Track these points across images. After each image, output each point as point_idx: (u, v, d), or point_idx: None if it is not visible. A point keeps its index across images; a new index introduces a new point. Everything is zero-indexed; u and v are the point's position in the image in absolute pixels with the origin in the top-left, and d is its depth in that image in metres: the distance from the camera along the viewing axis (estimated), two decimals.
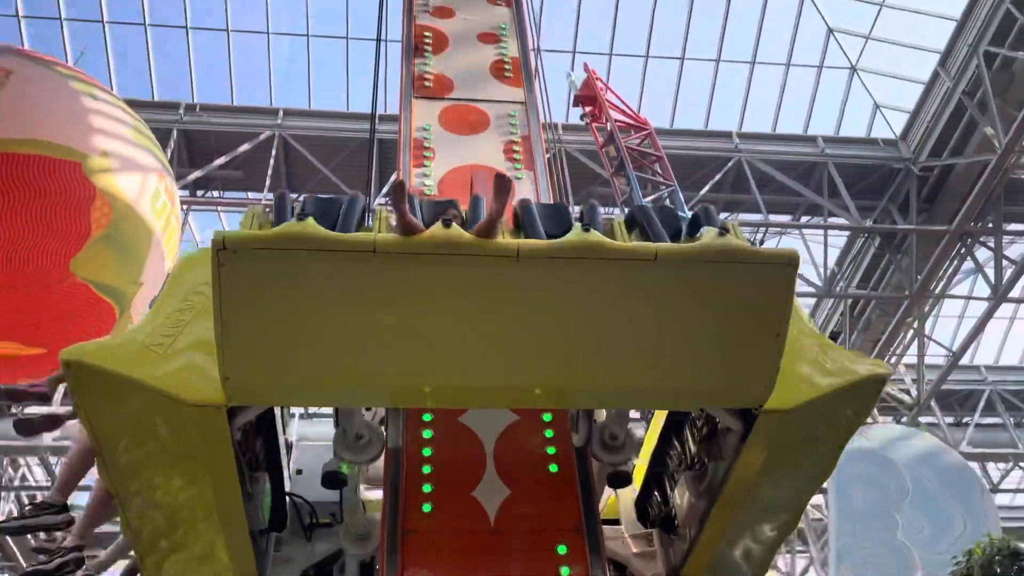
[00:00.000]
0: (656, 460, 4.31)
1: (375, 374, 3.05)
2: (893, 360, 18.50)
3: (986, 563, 9.57)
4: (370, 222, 3.55)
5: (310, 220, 2.84)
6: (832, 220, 16.90)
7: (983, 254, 16.85)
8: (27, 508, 4.09)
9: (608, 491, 4.33)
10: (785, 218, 17.62)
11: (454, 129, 5.18)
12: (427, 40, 5.57)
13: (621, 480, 3.90)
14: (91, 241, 6.64)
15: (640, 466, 4.39)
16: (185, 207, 13.64)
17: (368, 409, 3.81)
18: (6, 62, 6.70)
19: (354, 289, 2.85)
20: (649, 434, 4.45)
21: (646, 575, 4.13)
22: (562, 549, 3.50)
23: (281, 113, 16.08)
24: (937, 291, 17.23)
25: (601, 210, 3.66)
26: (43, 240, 6.45)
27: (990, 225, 16.29)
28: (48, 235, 6.46)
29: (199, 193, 16.34)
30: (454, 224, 2.93)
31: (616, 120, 14.75)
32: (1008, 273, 16.16)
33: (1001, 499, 21.11)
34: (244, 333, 2.88)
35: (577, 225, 3.00)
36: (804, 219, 17.70)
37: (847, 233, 17.54)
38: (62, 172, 6.46)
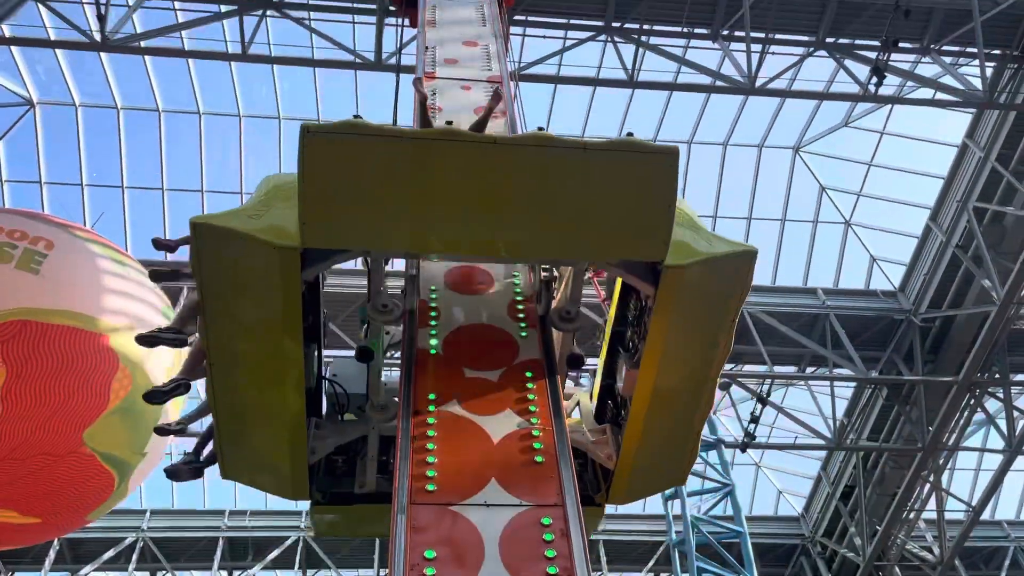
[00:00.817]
0: (606, 374, 5.50)
1: (400, 224, 4.33)
2: (912, 516, 17.93)
3: None
4: None
5: (362, 118, 4.24)
6: (838, 371, 16.87)
7: (993, 404, 16.69)
8: (157, 328, 5.08)
9: (569, 410, 5.53)
10: (790, 369, 17.60)
11: (460, 289, 5.29)
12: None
13: (575, 360, 5.12)
14: (107, 413, 6.71)
15: (596, 384, 5.61)
16: None
17: (387, 311, 4.82)
18: (44, 231, 6.93)
19: (389, 163, 4.16)
20: (600, 357, 5.58)
21: (600, 455, 5.31)
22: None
23: None
24: (950, 443, 16.94)
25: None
26: (62, 410, 6.47)
27: (997, 376, 16.23)
28: (68, 406, 6.53)
29: None
30: (454, 123, 5.06)
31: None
32: (1021, 424, 15.94)
33: None
34: (316, 191, 4.13)
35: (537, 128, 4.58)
36: (809, 370, 17.67)
37: (854, 384, 17.45)
38: (90, 344, 6.58)
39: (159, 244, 5.68)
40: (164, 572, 18.48)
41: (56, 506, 6.55)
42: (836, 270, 18.06)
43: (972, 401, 16.44)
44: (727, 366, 17.55)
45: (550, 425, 4.42)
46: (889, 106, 16.08)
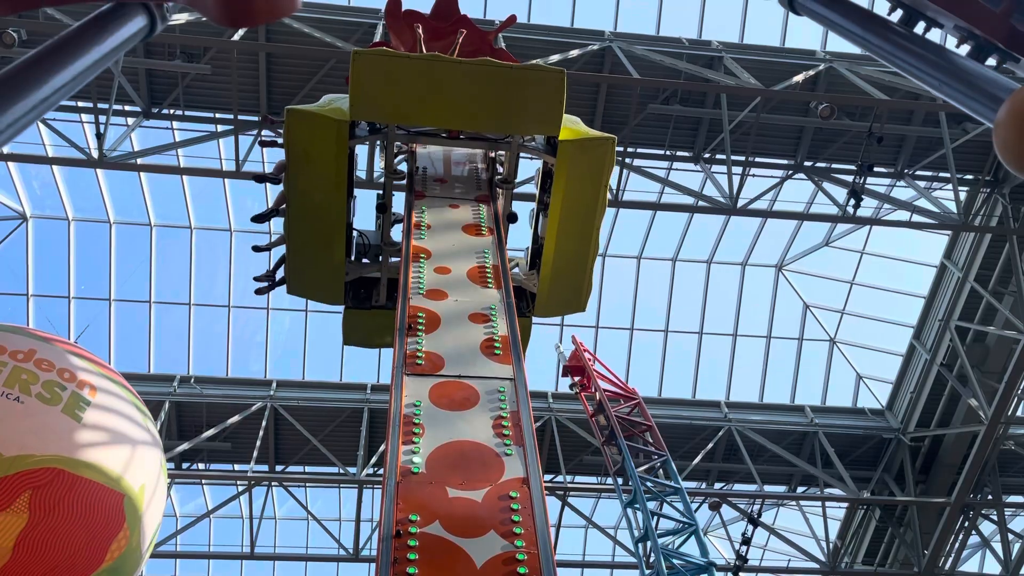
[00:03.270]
0: (535, 240, 7.91)
1: (409, 107, 7.10)
2: None
3: None
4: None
5: (389, 49, 7.54)
6: (829, 491, 16.61)
7: (987, 527, 16.39)
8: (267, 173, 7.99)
9: (512, 268, 7.72)
10: (780, 488, 17.31)
11: (444, 405, 5.24)
12: (420, 321, 5.80)
13: (512, 217, 7.84)
14: (98, 572, 6.60)
15: (529, 250, 8.08)
16: (169, 480, 13.34)
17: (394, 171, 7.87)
18: (88, 375, 6.92)
19: (403, 72, 6.97)
20: (532, 230, 7.99)
21: (529, 284, 7.91)
22: None
23: (274, 384, 16.29)
24: (947, 567, 16.51)
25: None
26: (65, 564, 6.29)
27: (989, 497, 16.01)
28: (72, 560, 6.40)
29: (184, 465, 16.08)
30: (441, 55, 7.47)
31: (605, 390, 14.96)
32: (1017, 547, 15.61)
33: None
34: (360, 86, 6.89)
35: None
36: (800, 489, 17.39)
37: (845, 505, 17.15)
38: (108, 501, 6.53)
39: (262, 177, 8.37)
40: None
41: None
42: (823, 387, 18.06)
43: (967, 524, 16.14)
44: (717, 485, 17.29)
45: (535, 548, 4.30)
46: (868, 227, 16.49)
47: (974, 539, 16.67)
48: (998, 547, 15.94)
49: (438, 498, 4.53)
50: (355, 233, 7.75)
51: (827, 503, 16.75)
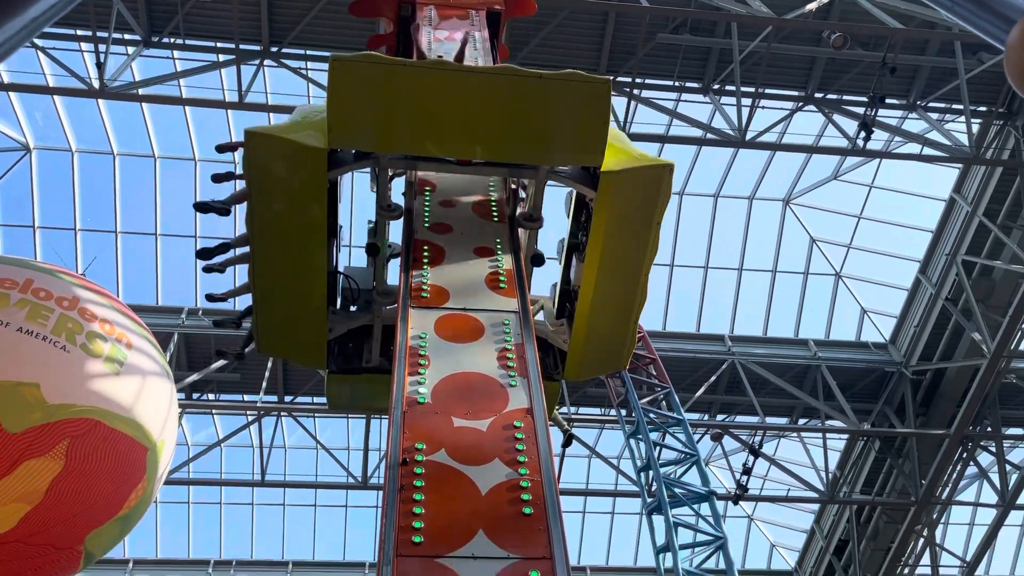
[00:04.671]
0: (564, 280, 6.43)
1: (403, 131, 5.46)
2: (906, 572, 17.72)
3: None
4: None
5: (375, 53, 5.63)
6: (830, 423, 16.83)
7: (985, 458, 16.63)
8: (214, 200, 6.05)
9: (536, 312, 6.43)
10: (782, 420, 17.54)
11: (449, 337, 5.28)
12: (425, 254, 5.81)
13: (537, 259, 6.23)
14: (114, 519, 6.79)
15: (557, 291, 6.56)
16: (180, 410, 13.57)
17: (391, 212, 6.04)
18: (127, 325, 7.03)
19: (394, 84, 5.28)
20: (561, 267, 6.50)
21: (558, 340, 6.32)
22: None
23: None
24: (944, 497, 16.83)
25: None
26: (89, 512, 6.50)
27: (989, 429, 16.20)
28: (95, 509, 6.56)
29: (195, 396, 16.33)
30: (442, 56, 6.11)
31: None
32: (1014, 478, 15.87)
33: None
34: (340, 104, 5.25)
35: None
36: (801, 422, 17.61)
37: (846, 436, 17.39)
38: (136, 455, 6.71)
39: (221, 149, 6.75)
40: None
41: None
42: (827, 322, 18.13)
43: (965, 455, 16.38)
44: (719, 417, 17.52)
45: (539, 476, 4.38)
46: (877, 160, 16.32)
47: (972, 470, 16.93)
48: (995, 478, 16.19)
49: (444, 427, 4.60)
50: (340, 276, 6.18)
51: (828, 435, 16.97)
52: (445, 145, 5.64)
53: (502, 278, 5.69)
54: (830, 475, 16.97)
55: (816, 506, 18.40)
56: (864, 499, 17.40)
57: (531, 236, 6.25)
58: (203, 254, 6.10)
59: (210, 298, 6.73)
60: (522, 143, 5.57)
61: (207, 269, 6.26)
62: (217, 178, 6.38)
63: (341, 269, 6.23)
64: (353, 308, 6.28)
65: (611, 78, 5.92)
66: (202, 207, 6.16)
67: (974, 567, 17.10)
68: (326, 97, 5.32)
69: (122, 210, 16.64)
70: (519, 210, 6.25)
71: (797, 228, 17.84)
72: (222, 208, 6.06)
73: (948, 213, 16.22)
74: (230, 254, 6.38)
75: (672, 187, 5.78)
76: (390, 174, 5.99)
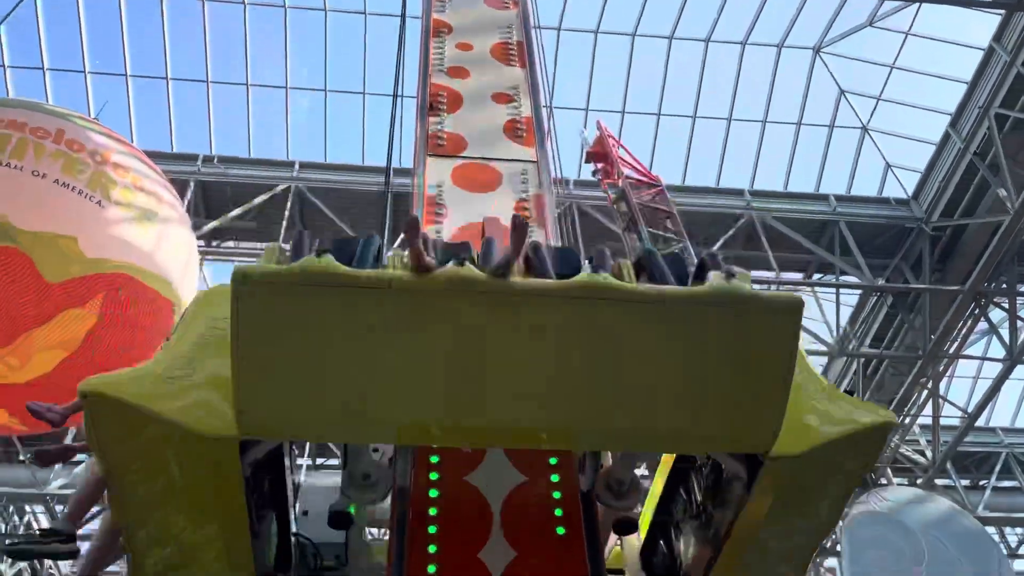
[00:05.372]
0: (661, 509, 4.28)
1: (387, 410, 3.10)
2: (907, 421, 18.26)
3: None
4: (386, 260, 3.66)
5: (328, 257, 2.94)
6: (844, 279, 16.87)
7: (997, 315, 16.75)
8: (37, 531, 4.01)
9: (613, 540, 4.40)
10: (796, 276, 17.60)
11: (467, 187, 5.24)
12: (442, 100, 5.66)
13: (627, 527, 3.97)
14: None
15: (645, 515, 4.37)
16: (200, 257, 13.76)
17: (375, 450, 3.89)
18: (151, 181, 7.04)
19: (369, 325, 2.95)
20: (655, 483, 4.42)
21: None
22: None
23: (297, 165, 16.30)
24: (951, 351, 17.08)
25: (610, 256, 3.77)
26: (114, 363, 6.77)
27: (1004, 286, 16.21)
28: (121, 359, 6.70)
29: (214, 243, 16.50)
30: (467, 263, 3.01)
31: (628, 177, 14.87)
32: (1023, 334, 16.03)
33: (1020, 565, 20.60)
34: (260, 367, 2.96)
35: (586, 265, 3.13)
36: (816, 277, 17.68)
37: (859, 292, 17.49)
38: (164, 314, 7.00)
39: (36, 415, 4.43)
40: None
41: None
42: (850, 176, 17.84)
43: (977, 311, 16.48)
44: None
45: None
46: (916, 5, 15.51)
47: (983, 326, 17.08)
48: (1005, 334, 16.36)
49: None
50: (294, 539, 4.14)
51: (841, 290, 17.07)
52: (473, 429, 3.20)
53: (521, 126, 5.57)
54: (840, 330, 17.19)
55: (824, 359, 18.75)
56: (872, 352, 17.70)
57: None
58: (42, 456, 4.28)
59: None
60: (620, 422, 3.18)
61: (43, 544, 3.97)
62: (43, 458, 4.72)
63: (297, 534, 4.20)
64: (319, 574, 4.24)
65: (800, 298, 3.20)
66: (23, 555, 3.93)
67: (975, 418, 17.57)
68: (231, 346, 2.94)
69: (131, 52, 16.25)
70: (599, 470, 3.86)
71: (826, 78, 17.25)
72: (68, 551, 3.99)
73: (985, 63, 15.55)
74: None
75: (884, 448, 3.70)
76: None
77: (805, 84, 17.18)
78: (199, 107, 16.81)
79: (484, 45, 6.08)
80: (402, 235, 3.56)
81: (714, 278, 3.12)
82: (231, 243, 16.93)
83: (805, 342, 17.22)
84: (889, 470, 18.66)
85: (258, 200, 15.70)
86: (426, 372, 3.02)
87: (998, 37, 15.20)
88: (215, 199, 16.10)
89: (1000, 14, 14.91)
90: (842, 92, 17.30)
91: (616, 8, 16.96)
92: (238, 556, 3.37)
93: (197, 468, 3.15)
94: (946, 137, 16.40)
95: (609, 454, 3.96)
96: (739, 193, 17.19)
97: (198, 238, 14.89)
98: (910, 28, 16.42)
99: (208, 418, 3.05)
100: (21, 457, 17.88)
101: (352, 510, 3.89)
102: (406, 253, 3.14)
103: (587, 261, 3.51)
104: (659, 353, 3.03)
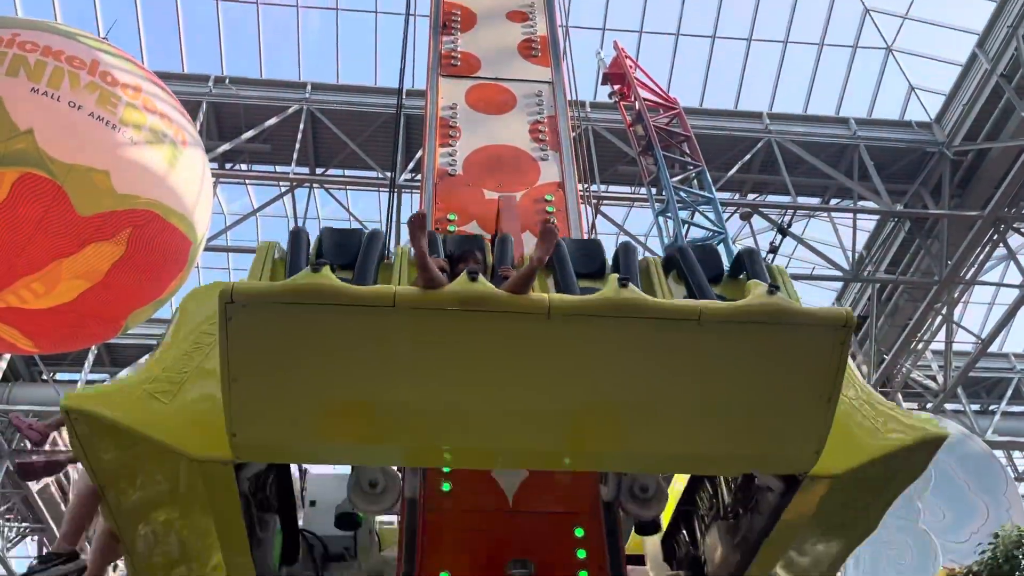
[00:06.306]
0: (686, 499, 4.15)
1: (392, 434, 2.91)
2: (920, 346, 18.31)
3: (1009, 554, 9.49)
4: (391, 252, 3.56)
5: (326, 270, 2.70)
6: (862, 204, 16.69)
7: (1016, 241, 16.58)
8: (33, 562, 3.92)
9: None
10: (814, 200, 17.43)
11: (480, 108, 5.18)
12: (455, 18, 5.55)
13: (650, 528, 3.90)
14: (153, 302, 7.35)
15: (669, 504, 4.13)
16: (214, 180, 13.75)
17: None
18: (183, 121, 7.11)
19: (371, 345, 2.72)
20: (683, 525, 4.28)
21: None
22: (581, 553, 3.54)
23: (309, 87, 16.10)
24: (967, 277, 17.00)
25: (638, 251, 3.63)
26: (137, 296, 7.04)
27: None
28: (142, 294, 7.06)
29: (227, 166, 16.45)
30: (480, 278, 2.77)
31: (645, 99, 14.62)
32: None
33: None
34: (252, 389, 2.74)
35: (613, 279, 2.82)
36: (833, 202, 17.49)
37: (876, 217, 17.32)
38: (184, 250, 7.18)
39: (19, 429, 4.29)
40: None
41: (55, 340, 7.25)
42: (871, 100, 17.45)
43: (995, 236, 16.32)
44: (751, 196, 17.42)
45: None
46: None
47: (1000, 252, 16.94)
48: (1023, 260, 16.23)
49: (475, 199, 4.64)
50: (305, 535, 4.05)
51: (859, 216, 16.90)
52: (488, 452, 3.08)
53: (535, 45, 5.46)
54: (856, 255, 17.09)
55: (839, 284, 18.71)
56: (888, 278, 17.63)
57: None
58: (26, 468, 3.98)
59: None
60: (651, 444, 2.98)
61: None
62: (28, 474, 4.50)
63: (306, 530, 4.11)
64: (326, 565, 4.15)
65: (851, 313, 2.84)
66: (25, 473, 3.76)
67: (988, 344, 17.59)
68: (220, 365, 2.75)
69: None
70: (623, 476, 3.71)
71: None
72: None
73: None
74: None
75: (931, 461, 3.41)
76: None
77: (829, 2, 16.68)
78: (210, 26, 16.55)
79: None
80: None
81: (755, 288, 2.92)
82: (244, 165, 16.89)
83: (821, 268, 17.16)
84: (900, 395, 18.81)
85: (270, 122, 15.58)
86: (436, 393, 2.80)
87: None
88: (227, 121, 15.98)
89: None
90: (867, 10, 16.78)
91: None
92: (238, 567, 3.24)
93: (190, 486, 3.00)
94: (972, 58, 15.95)
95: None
96: (758, 116, 16.87)
97: (211, 160, 14.86)
98: None
99: (200, 439, 2.86)
100: (44, 377, 18.31)
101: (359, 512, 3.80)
102: (413, 253, 2.93)
103: (612, 260, 3.39)
104: (695, 372, 2.83)
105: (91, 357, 17.88)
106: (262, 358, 2.73)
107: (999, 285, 18.07)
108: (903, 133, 16.93)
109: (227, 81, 15.96)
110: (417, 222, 2.91)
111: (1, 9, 14.98)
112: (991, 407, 20.31)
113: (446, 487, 3.65)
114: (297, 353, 2.72)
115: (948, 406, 19.00)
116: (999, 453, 18.06)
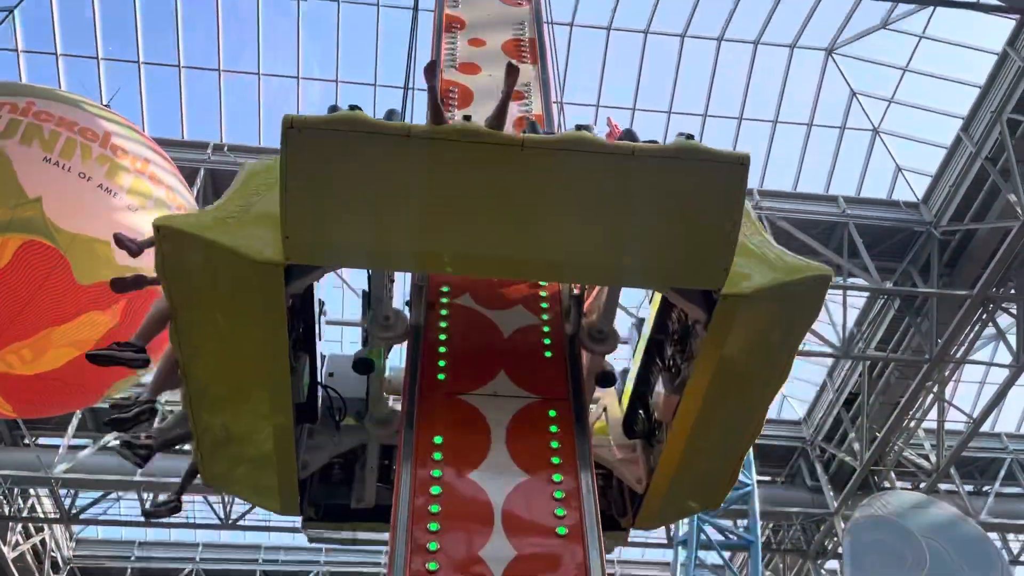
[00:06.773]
0: (640, 381, 4.75)
1: (405, 240, 3.68)
2: (912, 425, 18.22)
3: None
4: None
5: (360, 111, 3.55)
6: (852, 281, 16.83)
7: (1004, 320, 16.67)
8: (113, 344, 4.38)
9: (595, 415, 4.83)
10: None
11: None
12: (453, 95, 5.66)
13: (607, 379, 4.54)
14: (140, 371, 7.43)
15: (627, 390, 4.86)
16: None
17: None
18: (183, 193, 7.29)
19: (391, 166, 3.47)
20: (634, 361, 4.87)
21: (628, 476, 4.65)
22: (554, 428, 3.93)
23: None
24: (958, 356, 17.03)
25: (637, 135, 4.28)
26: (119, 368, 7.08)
27: (1012, 292, 16.15)
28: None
29: None
30: (473, 119, 3.74)
31: None
32: None
33: (1022, 572, 20.57)
34: (303, 199, 3.50)
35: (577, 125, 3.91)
36: None
37: (866, 294, 17.43)
38: None
39: (120, 243, 4.87)
40: None
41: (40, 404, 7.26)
42: (860, 179, 17.77)
43: (984, 315, 16.41)
44: None
45: (559, 319, 4.46)
46: (930, 8, 15.41)
47: (989, 331, 17.02)
48: (1012, 340, 16.30)
49: (467, 277, 4.66)
50: (321, 391, 4.60)
51: (848, 293, 17.01)
52: (476, 259, 3.81)
53: (532, 123, 5.55)
54: (847, 332, 17.14)
55: (830, 361, 18.72)
56: (878, 355, 17.65)
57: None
58: (117, 423, 4.19)
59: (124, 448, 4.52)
60: (596, 257, 3.75)
61: (116, 427, 4.26)
62: (118, 285, 4.95)
63: (323, 384, 4.62)
64: (341, 423, 4.63)
65: (747, 154, 3.80)
66: (104, 360, 4.22)
67: (980, 423, 17.53)
68: (279, 181, 3.51)
69: (144, 40, 16.27)
70: (583, 321, 4.45)
71: (838, 80, 17.17)
72: (134, 358, 4.31)
73: (999, 68, 15.46)
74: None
75: (824, 301, 4.14)
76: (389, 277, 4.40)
77: (817, 85, 17.12)
78: (211, 95, 16.85)
79: (496, 41, 6.07)
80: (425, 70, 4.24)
81: (676, 139, 3.71)
82: None
83: (812, 344, 17.20)
84: (893, 474, 18.64)
85: None
86: (440, 207, 3.57)
87: (1012, 41, 15.10)
88: (225, 187, 16.06)
89: (1015, 19, 14.81)
90: (854, 94, 17.22)
91: (629, 5, 16.92)
92: (279, 378, 3.88)
93: (247, 292, 3.67)
94: (957, 141, 16.32)
95: (589, 301, 4.57)
96: (748, 193, 17.09)
97: None
98: (924, 31, 16.33)
99: (258, 247, 3.59)
100: (26, 441, 17.98)
101: (374, 356, 4.41)
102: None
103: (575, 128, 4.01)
104: (631, 197, 3.59)
105: (75, 421, 17.63)
106: (311, 174, 3.46)
107: (989, 364, 18.10)
108: (891, 212, 17.19)
109: (226, 148, 16.17)
110: (430, 66, 4.16)
111: (6, 74, 15.25)
112: (985, 488, 20.10)
113: (437, 455, 3.73)
114: (337, 171, 3.47)
115: (942, 486, 18.81)
116: (993, 535, 17.80)
